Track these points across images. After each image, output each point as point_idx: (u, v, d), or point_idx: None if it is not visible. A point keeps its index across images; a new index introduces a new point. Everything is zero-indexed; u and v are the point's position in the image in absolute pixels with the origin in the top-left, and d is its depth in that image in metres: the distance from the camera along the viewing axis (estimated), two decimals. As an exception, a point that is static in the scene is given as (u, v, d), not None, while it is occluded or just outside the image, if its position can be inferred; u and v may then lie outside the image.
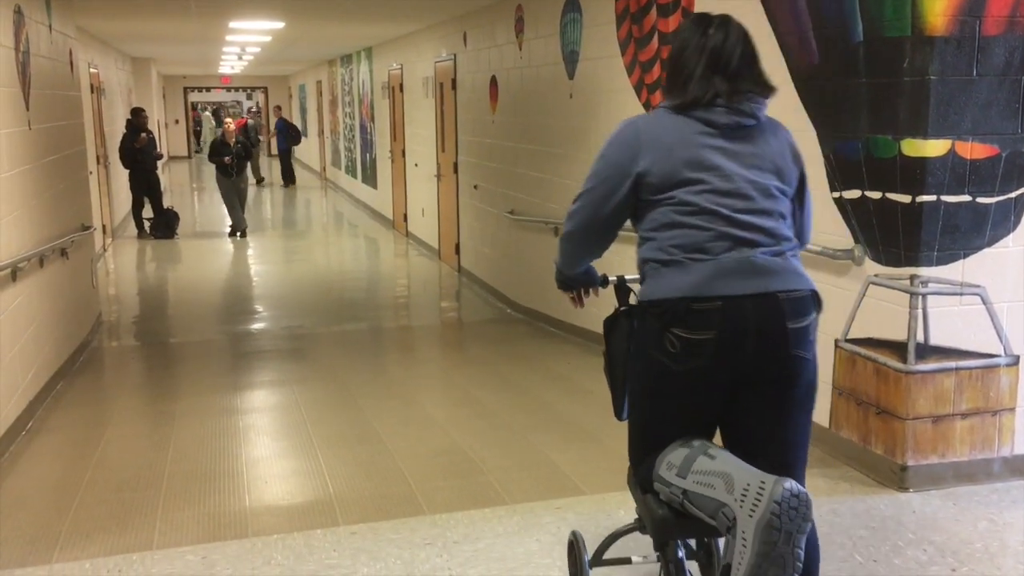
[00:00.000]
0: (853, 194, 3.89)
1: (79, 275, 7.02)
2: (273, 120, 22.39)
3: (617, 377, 2.65)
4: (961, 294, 3.71)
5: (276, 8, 9.76)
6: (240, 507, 3.89)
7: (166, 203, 13.77)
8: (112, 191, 13.06)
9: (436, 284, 10.31)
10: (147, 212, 13.39)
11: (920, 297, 3.67)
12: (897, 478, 3.78)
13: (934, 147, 3.55)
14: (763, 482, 2.06)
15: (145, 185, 13.10)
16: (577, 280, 2.78)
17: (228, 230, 13.59)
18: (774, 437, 2.30)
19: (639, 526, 2.68)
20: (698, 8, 4.93)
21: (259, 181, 22.02)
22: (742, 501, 2.07)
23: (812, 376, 2.35)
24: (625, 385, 2.60)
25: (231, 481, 4.20)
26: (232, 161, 13.15)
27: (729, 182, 2.33)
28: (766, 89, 2.49)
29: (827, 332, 4.12)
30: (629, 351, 2.53)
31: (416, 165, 12.24)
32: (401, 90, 12.82)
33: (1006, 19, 3.51)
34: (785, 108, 4.23)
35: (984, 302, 3.74)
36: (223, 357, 6.93)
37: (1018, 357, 3.80)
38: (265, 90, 32.51)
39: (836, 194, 3.99)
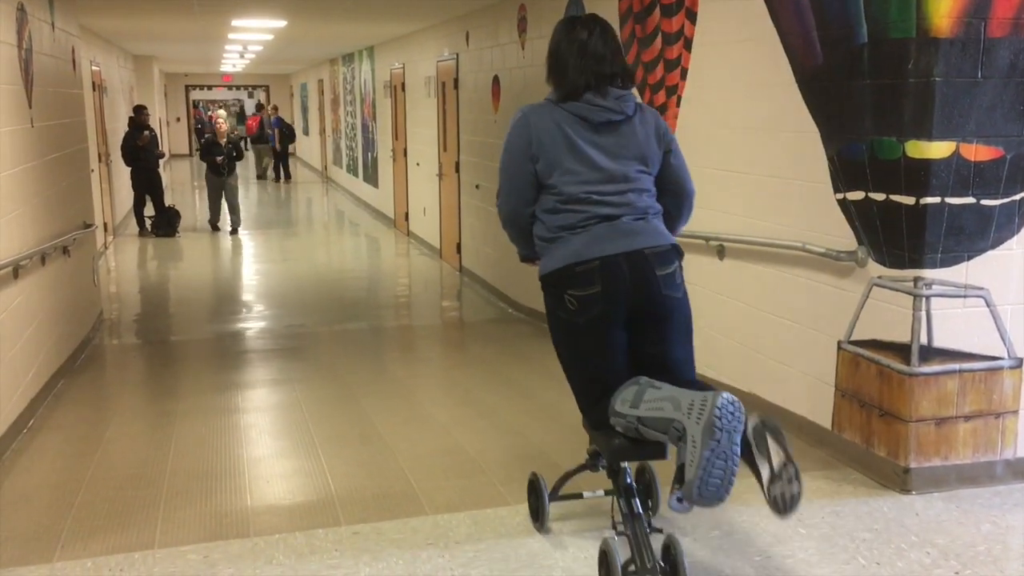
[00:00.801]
0: (857, 196, 3.88)
1: (81, 273, 7.02)
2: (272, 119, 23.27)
3: (569, 369, 3.09)
4: (965, 296, 3.70)
5: (278, 7, 9.76)
6: (242, 506, 3.88)
7: (167, 201, 13.77)
8: (114, 189, 13.06)
9: (437, 283, 10.31)
10: (149, 210, 13.39)
11: (924, 299, 3.66)
12: (900, 480, 3.77)
13: (938, 149, 3.55)
14: (704, 396, 2.58)
15: (147, 183, 13.10)
16: (533, 255, 3.20)
17: (229, 228, 13.66)
18: (668, 358, 2.93)
19: (589, 465, 3.33)
20: (702, 8, 4.93)
21: (263, 176, 22.94)
22: (688, 413, 2.60)
23: (686, 310, 2.99)
24: (581, 380, 3.05)
25: (233, 480, 4.19)
26: (224, 161, 13.25)
27: (598, 171, 2.94)
28: (629, 78, 3.02)
29: (830, 334, 4.12)
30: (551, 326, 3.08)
31: (418, 164, 12.23)
32: (403, 89, 12.82)
33: (1011, 21, 3.50)
34: (788, 109, 4.24)
35: (988, 304, 3.73)
36: (224, 355, 6.93)
37: (1021, 360, 3.80)
38: (267, 89, 32.50)
39: (840, 196, 3.98)
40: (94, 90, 11.47)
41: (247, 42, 15.21)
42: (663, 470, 3.21)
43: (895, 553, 3.26)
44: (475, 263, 9.71)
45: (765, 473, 2.60)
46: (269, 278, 10.52)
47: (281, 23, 11.38)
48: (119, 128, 13.55)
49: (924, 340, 3.69)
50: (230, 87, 35.65)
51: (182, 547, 3.43)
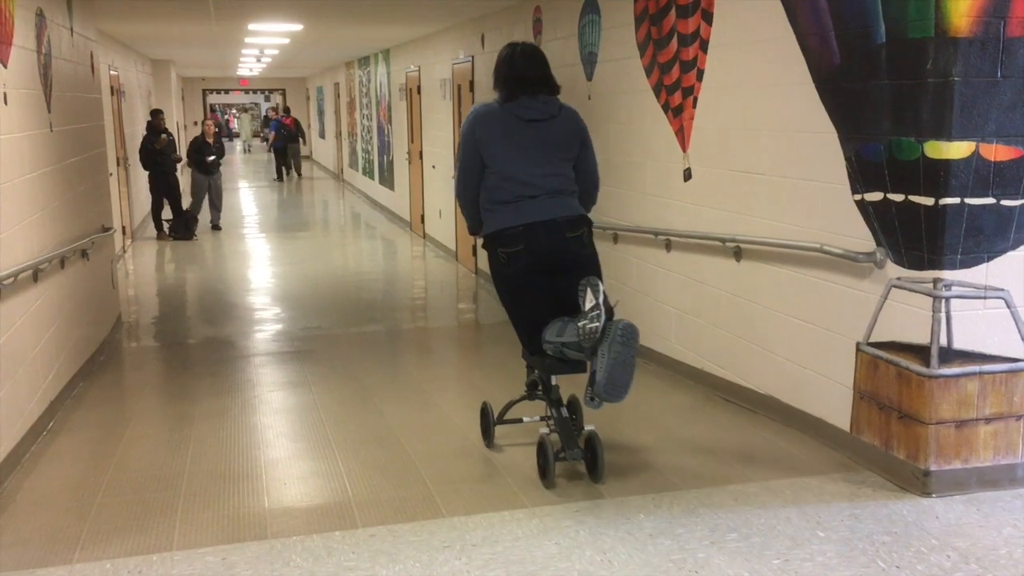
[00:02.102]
0: (875, 196, 3.85)
1: (99, 276, 7.07)
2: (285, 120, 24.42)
3: (510, 311, 4.14)
4: (985, 297, 3.67)
5: (294, 10, 9.80)
6: (259, 508, 3.89)
7: (184, 204, 13.85)
8: (132, 193, 13.14)
9: (453, 285, 10.31)
10: (166, 213, 13.47)
11: (943, 300, 3.63)
12: (920, 483, 3.74)
13: (958, 149, 3.52)
14: (609, 323, 3.66)
15: (164, 187, 13.18)
16: (478, 228, 4.14)
17: (211, 224, 14.03)
18: (605, 304, 3.78)
19: (528, 395, 4.27)
20: (718, 9, 4.91)
21: (289, 174, 24.11)
22: (603, 335, 3.65)
23: (595, 262, 4.01)
24: (518, 319, 4.06)
25: (250, 482, 4.20)
26: (214, 160, 13.61)
27: (527, 156, 3.90)
28: (555, 89, 4.04)
29: (848, 335, 4.09)
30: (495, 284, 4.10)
31: (433, 167, 12.25)
32: (418, 92, 12.84)
33: (1031, 20, 3.47)
34: (805, 110, 4.21)
35: (1008, 305, 3.70)
36: (242, 357, 6.95)
37: (1043, 361, 3.76)
38: (283, 92, 32.66)
39: (858, 196, 3.96)
40: (112, 94, 11.55)
41: (264, 46, 15.28)
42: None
43: (915, 557, 3.24)
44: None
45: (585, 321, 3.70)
46: (286, 280, 10.55)
47: (297, 27, 11.43)
48: (137, 132, 13.64)
49: (944, 342, 3.66)
50: (247, 91, 35.85)
51: (200, 549, 3.44)
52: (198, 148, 13.70)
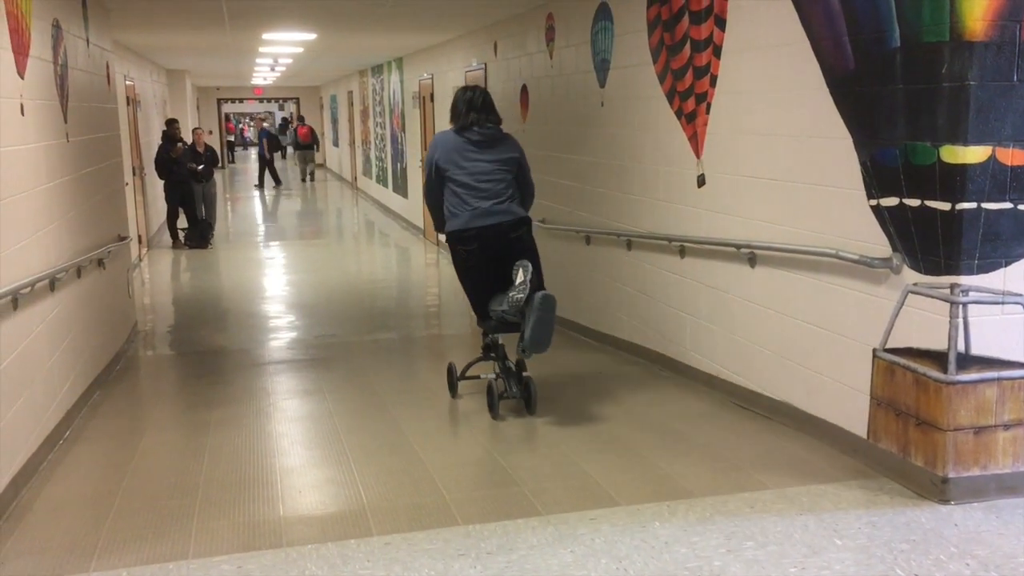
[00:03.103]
0: (891, 202, 3.83)
1: (115, 285, 7.11)
2: (289, 130, 25.56)
3: (466, 289, 5.31)
4: (1003, 303, 3.64)
5: (308, 19, 9.84)
6: (275, 516, 3.90)
7: (199, 213, 13.92)
8: (148, 201, 13.22)
9: (467, 293, 10.30)
10: (182, 222, 13.53)
11: (960, 306, 3.61)
12: (938, 490, 3.71)
13: (974, 154, 3.50)
14: (535, 293, 4.77)
15: (180, 196, 13.25)
16: (441, 226, 5.25)
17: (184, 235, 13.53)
18: (535, 282, 4.91)
19: (483, 356, 5.41)
20: (731, 15, 4.90)
21: (305, 179, 25.76)
22: (529, 303, 4.77)
23: (533, 250, 5.10)
24: (472, 295, 5.25)
25: (265, 490, 4.21)
26: (202, 169, 13.37)
27: (477, 169, 5.03)
28: (498, 120, 5.21)
29: (864, 342, 4.07)
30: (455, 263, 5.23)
31: (447, 174, 12.25)
32: (432, 100, 12.87)
33: (1048, 23, 3.44)
34: (819, 115, 4.20)
35: (1026, 311, 3.66)
36: (256, 366, 6.97)
37: (1062, 367, 3.72)
38: (297, 101, 32.80)
39: (873, 202, 3.94)
40: (128, 104, 11.63)
41: (278, 55, 15.36)
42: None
43: (934, 565, 3.21)
44: (505, 272, 9.69)
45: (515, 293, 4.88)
46: (300, 288, 10.59)
47: (311, 36, 11.48)
48: (153, 142, 13.73)
49: (961, 348, 3.64)
50: (261, 100, 36.00)
51: (216, 557, 3.45)
52: (188, 158, 13.36)
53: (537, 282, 4.98)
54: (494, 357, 5.35)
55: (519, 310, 4.86)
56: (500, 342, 5.32)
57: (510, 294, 4.87)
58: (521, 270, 4.90)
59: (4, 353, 4.14)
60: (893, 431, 3.94)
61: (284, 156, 32.17)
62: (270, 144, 24.79)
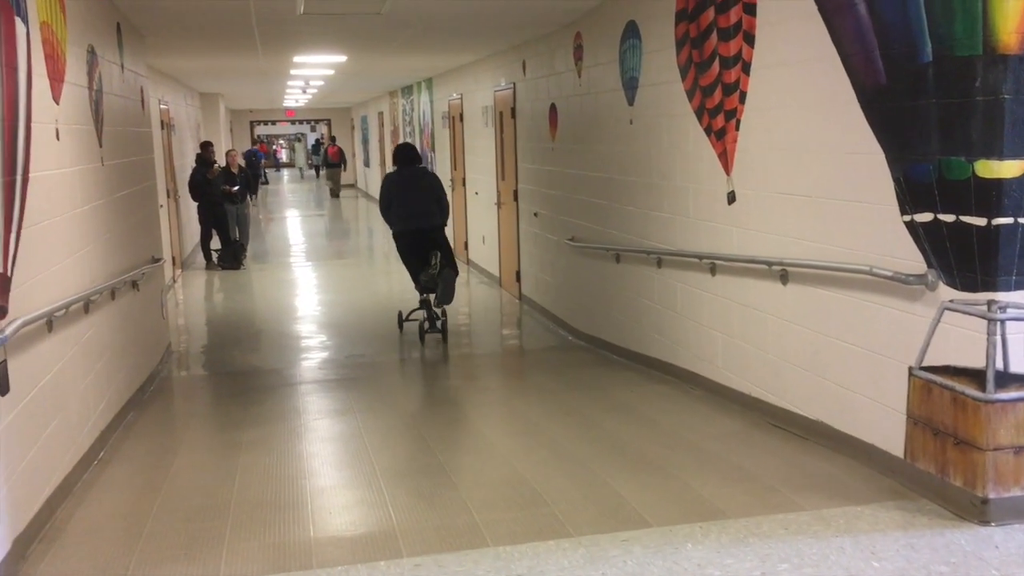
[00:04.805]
0: (925, 217, 3.78)
1: (149, 306, 7.18)
2: (321, 151, 26.28)
3: (406, 266, 8.32)
4: (1042, 319, 3.56)
5: (339, 42, 9.94)
6: (305, 538, 3.90)
7: (232, 234, 14.05)
8: (182, 223, 13.38)
9: (497, 311, 10.31)
10: (215, 243, 13.67)
11: (998, 323, 3.54)
12: (978, 511, 3.63)
13: (1010, 168, 3.44)
14: (444, 270, 7.91)
15: (213, 217, 13.40)
16: (391, 227, 8.25)
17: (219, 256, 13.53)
18: (444, 263, 7.91)
19: (420, 307, 8.23)
20: (760, 31, 4.88)
21: (335, 195, 27.42)
22: (440, 276, 7.87)
23: (446, 245, 8.15)
24: (409, 270, 8.26)
25: (296, 511, 4.22)
26: (237, 190, 13.50)
27: (411, 196, 8.06)
28: (420, 161, 8.60)
29: (900, 359, 4.00)
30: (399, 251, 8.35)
31: (476, 193, 12.30)
32: (461, 119, 12.93)
33: (1084, 34, 3.39)
34: (850, 130, 4.16)
35: (1067, 328, 3.59)
36: (288, 386, 7.01)
37: (1105, 385, 3.63)
38: (328, 122, 33.10)
39: (907, 217, 3.88)
40: (162, 128, 11.80)
41: (309, 77, 15.52)
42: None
43: (975, 588, 3.13)
44: (534, 291, 9.70)
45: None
46: (331, 308, 10.64)
47: (342, 58, 11.59)
48: (187, 164, 13.91)
49: (1000, 365, 3.56)
50: (293, 121, 36.39)
51: (246, 579, 3.45)
52: (223, 179, 13.52)
53: (446, 262, 7.96)
54: (424, 307, 8.22)
55: (433, 280, 7.88)
56: (427, 298, 8.13)
57: (427, 271, 7.91)
58: (432, 257, 7.90)
59: (39, 375, 4.19)
60: (931, 451, 3.87)
61: (317, 175, 33.73)
62: (250, 164, 22.77)
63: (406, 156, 8.24)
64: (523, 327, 9.40)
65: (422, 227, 7.95)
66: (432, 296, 7.97)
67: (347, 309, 10.45)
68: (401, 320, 8.58)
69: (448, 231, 15.14)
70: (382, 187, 8.24)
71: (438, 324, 8.13)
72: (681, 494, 4.17)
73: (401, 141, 9.09)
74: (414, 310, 8.32)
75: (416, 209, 7.95)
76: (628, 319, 7.02)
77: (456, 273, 8.04)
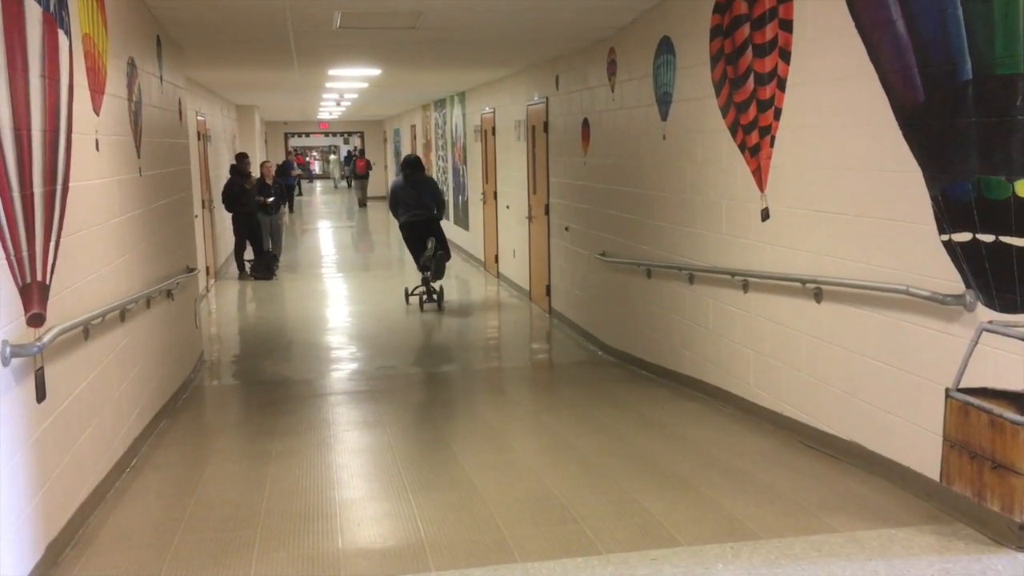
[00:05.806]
0: (964, 237, 3.73)
1: (183, 316, 7.26)
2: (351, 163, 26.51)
3: (409, 250, 11.17)
4: (1084, 342, 3.50)
5: (373, 56, 10.03)
6: (333, 549, 3.91)
7: (266, 245, 14.18)
8: (216, 234, 13.52)
9: (527, 325, 10.31)
10: (248, 254, 13.79)
11: (1039, 345, 3.47)
12: (1016, 537, 3.56)
13: (1051, 188, 3.39)
14: (433, 250, 10.59)
15: (247, 228, 13.53)
16: (396, 217, 11.16)
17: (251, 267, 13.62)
18: (438, 247, 10.77)
19: (422, 283, 10.82)
20: (796, 47, 4.85)
21: (363, 204, 28.94)
22: (434, 258, 10.60)
23: (440, 233, 10.81)
24: (412, 253, 11.08)
25: (325, 523, 4.23)
26: (272, 201, 13.67)
27: (414, 194, 10.74)
28: (424, 172, 11.62)
29: (936, 381, 3.94)
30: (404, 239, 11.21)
31: (508, 207, 12.32)
32: (493, 133, 12.97)
33: None
34: (888, 148, 4.12)
35: (1109, 351, 3.52)
36: (318, 396, 7.04)
37: None
38: (361, 135, 33.35)
39: (945, 237, 3.83)
40: (199, 139, 11.95)
41: (343, 90, 15.65)
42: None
43: (1013, 616, 3.07)
44: (564, 305, 9.68)
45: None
46: (361, 319, 10.70)
47: (376, 71, 11.69)
48: (222, 175, 14.06)
49: (1040, 389, 3.50)
50: (327, 134, 36.71)
51: (275, 589, 3.46)
52: (258, 190, 13.71)
53: (439, 247, 10.48)
54: (425, 282, 10.64)
55: (429, 260, 10.42)
56: (427, 276, 10.60)
57: (425, 254, 10.43)
58: (428, 242, 10.39)
59: (75, 382, 4.24)
60: (967, 474, 3.80)
61: (349, 186, 34.71)
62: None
63: (411, 165, 10.95)
64: (553, 341, 9.38)
65: (421, 219, 10.55)
66: (428, 273, 10.56)
67: (376, 320, 10.50)
68: (407, 294, 11.02)
69: (477, 243, 15.45)
70: (391, 189, 11.37)
71: (435, 297, 10.70)
72: (712, 513, 4.13)
73: (409, 153, 13.09)
74: (417, 286, 10.84)
75: (416, 205, 10.58)
76: (659, 335, 6.99)
77: (448, 256, 10.69)
